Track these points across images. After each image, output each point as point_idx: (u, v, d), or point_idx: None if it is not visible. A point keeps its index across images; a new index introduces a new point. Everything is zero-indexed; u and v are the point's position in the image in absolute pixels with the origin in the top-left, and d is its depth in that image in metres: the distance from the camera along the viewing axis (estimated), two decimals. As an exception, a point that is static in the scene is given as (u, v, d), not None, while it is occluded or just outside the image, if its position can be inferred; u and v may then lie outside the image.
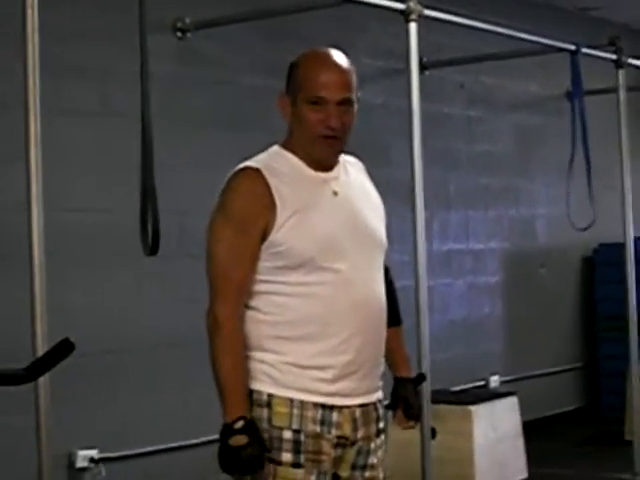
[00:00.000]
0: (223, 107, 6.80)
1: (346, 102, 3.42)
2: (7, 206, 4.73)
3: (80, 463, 6.18)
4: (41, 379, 4.25)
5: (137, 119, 4.87)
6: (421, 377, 3.92)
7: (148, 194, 4.80)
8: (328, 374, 3.43)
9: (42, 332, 4.36)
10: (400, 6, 6.05)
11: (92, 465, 6.23)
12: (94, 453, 6.22)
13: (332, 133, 3.42)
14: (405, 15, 6.04)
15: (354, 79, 3.47)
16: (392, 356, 3.74)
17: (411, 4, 6.03)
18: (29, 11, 4.47)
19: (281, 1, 6.22)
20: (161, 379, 6.49)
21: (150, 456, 6.49)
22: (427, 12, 6.18)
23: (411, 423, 3.84)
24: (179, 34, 6.70)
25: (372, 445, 3.58)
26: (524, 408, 8.05)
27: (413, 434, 6.02)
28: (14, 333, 4.32)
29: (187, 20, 6.64)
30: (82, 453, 6.17)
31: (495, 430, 7.66)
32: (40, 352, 4.12)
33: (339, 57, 3.47)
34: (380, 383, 3.62)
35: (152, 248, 4.78)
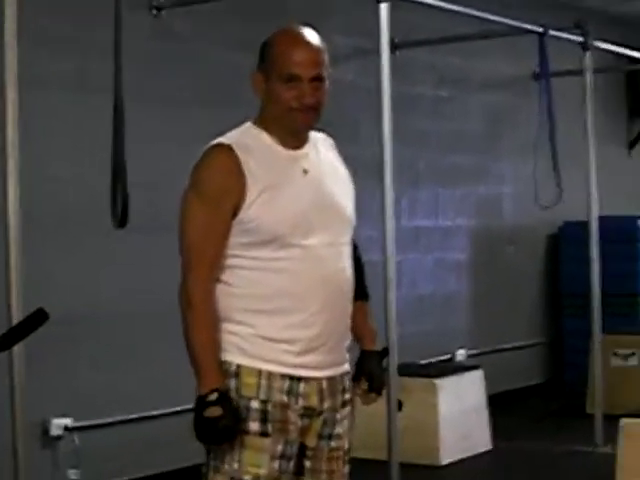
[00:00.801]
0: (197, 84, 6.82)
1: (319, 79, 3.42)
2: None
3: (54, 431, 6.18)
4: (15, 348, 4.26)
5: (108, 97, 4.90)
6: (385, 351, 3.93)
7: (118, 170, 4.83)
8: (295, 347, 3.45)
9: (17, 302, 4.38)
10: (369, -15, 6.09)
11: (66, 433, 6.23)
12: (68, 422, 6.22)
13: (306, 108, 3.42)
14: (375, -4, 6.08)
15: (326, 57, 3.46)
16: (358, 330, 3.74)
17: (382, -16, 6.08)
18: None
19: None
20: (135, 348, 6.51)
21: (124, 424, 6.50)
22: (396, -6, 6.22)
23: (372, 396, 3.84)
24: (154, 12, 6.68)
25: (338, 416, 3.60)
26: (489, 382, 8.10)
27: (380, 406, 6.09)
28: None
29: (162, -1, 6.66)
30: (56, 421, 6.17)
31: (460, 403, 7.70)
32: (14, 321, 4.14)
33: (311, 35, 3.46)
34: (346, 356, 3.63)
35: (121, 221, 4.80)
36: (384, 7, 6.06)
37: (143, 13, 6.55)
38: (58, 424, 6.18)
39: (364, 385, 3.78)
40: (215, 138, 3.46)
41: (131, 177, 4.89)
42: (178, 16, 6.71)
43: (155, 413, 6.51)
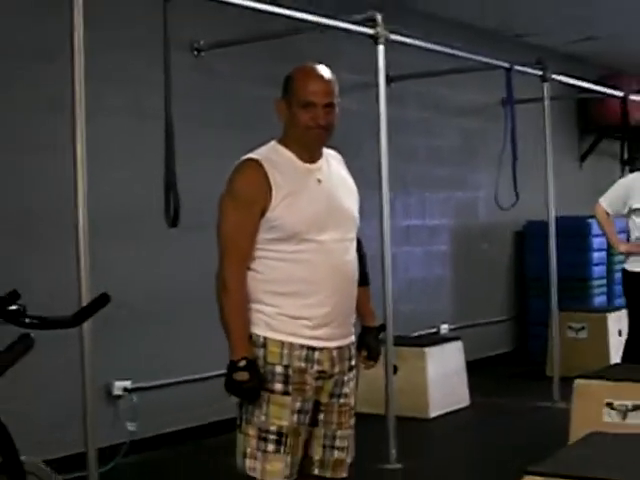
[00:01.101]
0: (230, 112, 6.80)
1: (330, 105, 3.48)
2: (60, 188, 4.73)
3: (116, 392, 6.20)
4: (85, 324, 4.27)
5: (160, 122, 4.91)
6: (382, 327, 3.97)
7: (170, 180, 4.85)
8: (311, 322, 3.50)
9: (86, 288, 4.39)
10: (371, 32, 6.07)
11: (126, 393, 6.25)
12: (128, 384, 6.24)
13: (320, 128, 3.48)
14: (374, 39, 6.06)
15: (336, 88, 3.53)
16: (361, 309, 3.78)
17: (379, 30, 6.05)
18: (75, 33, 4.47)
19: (278, 26, 6.19)
20: (180, 324, 6.51)
21: (172, 386, 6.51)
22: (392, 37, 6.20)
23: (371, 363, 3.87)
24: (195, 53, 6.69)
25: (345, 378, 3.64)
26: (467, 350, 8.11)
27: (379, 370, 6.07)
28: (64, 289, 4.33)
29: (202, 42, 6.63)
30: (118, 384, 6.19)
31: (444, 367, 7.71)
32: (84, 303, 4.14)
33: (324, 70, 3.53)
34: (352, 330, 3.68)
35: (173, 222, 4.81)
36: (381, 49, 6.09)
37: (187, 54, 6.56)
38: (119, 386, 6.20)
39: (364, 354, 3.82)
40: (244, 154, 3.52)
41: (179, 185, 4.92)
42: (215, 56, 6.71)
43: (197, 377, 6.51)
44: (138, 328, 6.22)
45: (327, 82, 3.51)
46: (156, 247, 6.24)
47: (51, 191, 5.61)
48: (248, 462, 3.52)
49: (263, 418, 3.47)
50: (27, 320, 3.21)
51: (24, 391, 4.74)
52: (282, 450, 3.49)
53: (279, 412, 3.47)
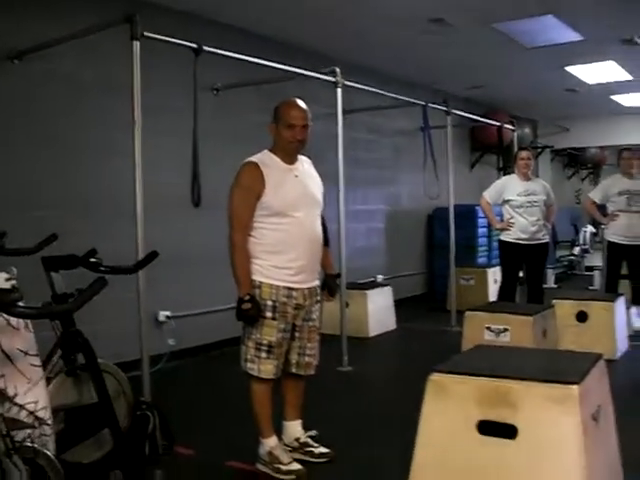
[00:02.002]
0: (237, 131, 6.77)
1: (305, 126, 3.58)
2: (123, 180, 4.70)
3: (161, 318, 6.19)
4: (140, 272, 4.27)
5: (190, 137, 4.90)
6: (338, 275, 4.03)
7: (195, 175, 4.84)
8: (291, 271, 3.56)
9: (141, 248, 4.37)
10: (333, 79, 6.06)
11: (167, 320, 6.24)
12: (169, 313, 6.23)
13: (297, 142, 3.56)
14: (335, 84, 6.05)
15: (309, 115, 3.62)
16: (323, 262, 3.82)
17: (338, 79, 6.06)
18: (135, 74, 4.45)
19: (271, 75, 6.16)
20: (203, 272, 6.48)
21: (200, 315, 6.52)
22: (347, 83, 6.19)
23: (331, 298, 3.94)
24: (215, 92, 6.64)
25: (313, 308, 3.70)
26: (395, 292, 8.14)
27: (336, 305, 6.09)
28: (127, 247, 4.31)
29: (219, 84, 6.59)
30: (162, 312, 6.18)
31: (379, 304, 7.71)
32: (140, 257, 4.14)
33: (301, 103, 3.61)
34: (317, 276, 3.75)
35: (197, 203, 4.83)
36: (339, 91, 6.09)
37: (208, 93, 6.51)
38: (163, 314, 6.20)
39: (326, 292, 3.86)
40: (246, 159, 3.55)
41: (201, 180, 4.92)
42: (228, 94, 6.66)
43: (215, 308, 6.46)
44: (175, 275, 6.18)
45: (303, 111, 3.60)
46: (185, 220, 6.20)
47: (113, 185, 5.61)
48: (249, 365, 3.58)
49: (258, 335, 3.53)
50: (102, 268, 3.21)
51: (100, 317, 4.72)
52: (271, 357, 3.54)
53: (269, 331, 3.52)
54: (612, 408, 3.23)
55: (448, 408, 2.88)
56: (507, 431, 2.76)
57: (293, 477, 3.56)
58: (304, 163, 3.72)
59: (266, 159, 3.57)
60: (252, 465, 3.70)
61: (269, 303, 3.51)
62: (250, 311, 3.45)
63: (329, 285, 3.89)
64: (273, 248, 3.51)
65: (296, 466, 3.61)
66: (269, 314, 3.51)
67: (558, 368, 2.98)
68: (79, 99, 5.61)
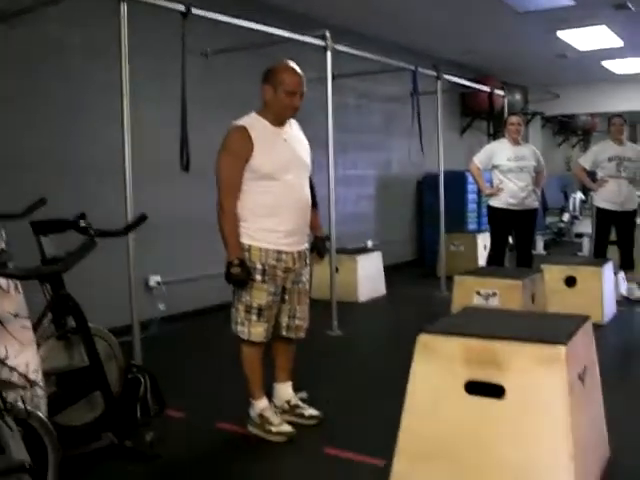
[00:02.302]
0: (227, 96, 6.73)
1: (303, 94, 3.57)
2: (112, 145, 4.68)
3: (151, 283, 6.22)
4: (130, 235, 4.27)
5: (178, 102, 4.87)
6: (327, 237, 4.03)
7: (184, 140, 4.83)
8: (280, 234, 3.56)
9: (130, 211, 4.37)
10: (322, 43, 6.01)
11: (158, 285, 6.25)
12: (159, 278, 6.25)
13: (295, 109, 3.58)
14: (325, 48, 6.01)
15: (305, 81, 3.59)
16: (312, 225, 3.82)
17: (328, 43, 6.01)
18: (122, 39, 4.41)
19: (260, 39, 6.10)
20: (193, 237, 6.48)
21: (189, 281, 6.53)
22: (337, 47, 6.14)
23: (320, 261, 4.02)
24: (204, 56, 6.57)
25: (302, 271, 3.72)
26: (385, 258, 8.15)
27: (326, 269, 6.12)
28: (116, 212, 4.30)
29: (208, 48, 6.52)
30: (152, 277, 6.21)
31: (369, 269, 7.74)
32: (129, 220, 4.13)
33: (299, 68, 3.59)
34: (306, 239, 3.75)
35: (186, 167, 4.82)
36: (329, 55, 6.03)
37: (197, 57, 6.45)
38: (153, 279, 6.22)
39: (315, 254, 3.88)
40: (232, 124, 3.56)
41: (190, 144, 4.90)
42: (218, 58, 6.60)
43: (204, 273, 6.48)
44: (165, 240, 6.21)
45: (302, 77, 3.58)
46: (174, 186, 6.18)
47: (102, 150, 5.59)
48: (239, 327, 3.60)
49: (248, 298, 3.54)
50: (92, 231, 3.21)
51: (90, 283, 4.73)
52: (261, 320, 3.56)
53: (259, 294, 3.54)
54: (598, 369, 3.28)
55: (436, 368, 2.91)
56: (494, 391, 2.79)
57: (283, 438, 3.60)
58: (292, 126, 3.70)
59: (254, 122, 3.53)
60: (243, 427, 3.74)
61: (258, 266, 3.51)
62: (239, 275, 3.45)
63: (318, 247, 3.92)
64: (261, 211, 3.50)
65: (286, 427, 3.65)
66: (259, 277, 3.52)
67: (545, 329, 3.01)
68: (66, 63, 5.57)
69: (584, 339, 3.08)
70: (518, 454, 2.75)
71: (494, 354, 2.81)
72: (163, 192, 6.13)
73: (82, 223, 3.25)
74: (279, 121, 3.58)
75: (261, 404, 3.69)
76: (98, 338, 3.53)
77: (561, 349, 2.71)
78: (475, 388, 2.83)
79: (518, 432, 2.76)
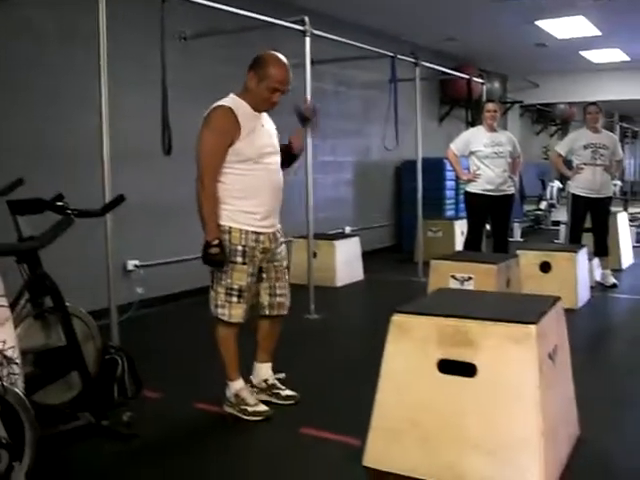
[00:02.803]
0: (206, 80, 6.72)
1: (285, 92, 3.59)
2: (91, 131, 4.68)
3: (129, 267, 6.21)
4: (107, 218, 4.28)
5: (157, 86, 4.87)
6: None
7: (165, 123, 4.83)
8: (258, 216, 3.60)
9: (108, 194, 4.37)
10: (301, 28, 6.02)
11: (136, 269, 6.26)
12: (137, 262, 6.25)
13: (273, 104, 3.62)
14: (303, 33, 6.02)
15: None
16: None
17: (307, 27, 6.01)
18: (100, 23, 4.40)
19: (239, 23, 6.10)
20: (172, 221, 6.51)
21: (167, 264, 6.55)
22: (316, 32, 6.14)
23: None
24: (182, 40, 6.56)
25: (278, 250, 3.78)
26: (363, 244, 8.19)
27: (304, 255, 6.15)
28: (95, 196, 4.29)
29: (187, 32, 6.50)
30: (130, 262, 6.20)
31: (347, 254, 7.78)
32: (107, 200, 4.14)
33: (288, 65, 3.58)
34: (278, 221, 3.78)
35: (167, 151, 4.82)
36: (307, 40, 6.04)
37: (176, 41, 6.43)
38: (131, 263, 6.22)
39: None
40: (215, 104, 3.55)
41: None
42: (196, 43, 6.59)
43: (183, 257, 6.51)
44: (145, 224, 6.23)
45: (290, 76, 3.59)
46: (155, 169, 6.19)
47: (81, 134, 5.56)
48: (220, 310, 3.62)
49: (229, 280, 3.58)
50: (69, 211, 3.22)
51: (68, 266, 4.74)
52: (241, 301, 3.60)
53: (240, 276, 3.57)
54: (568, 349, 3.34)
55: (410, 347, 2.96)
56: (467, 369, 2.85)
57: (259, 418, 3.64)
58: (265, 115, 3.75)
59: (239, 105, 3.54)
60: (220, 407, 3.77)
61: (239, 248, 3.54)
62: (217, 256, 3.48)
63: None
64: (240, 193, 3.53)
65: (262, 407, 3.69)
66: (239, 259, 3.55)
67: (517, 309, 3.06)
68: (44, 48, 5.53)
69: (555, 319, 3.14)
70: (490, 431, 2.81)
71: (466, 333, 2.86)
72: (142, 176, 6.13)
73: (59, 203, 3.26)
74: (257, 109, 3.61)
75: (237, 385, 3.72)
76: (75, 318, 3.54)
77: (531, 328, 2.77)
78: (448, 367, 2.89)
79: (490, 409, 2.81)
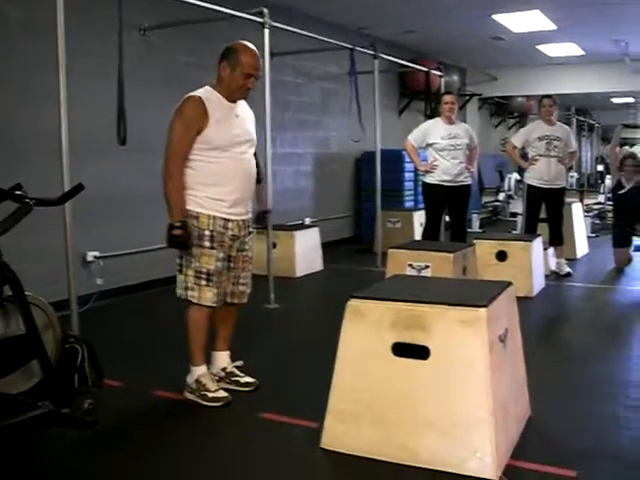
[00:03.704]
0: (167, 73, 6.74)
1: (258, 77, 3.72)
2: (49, 121, 4.67)
3: (89, 258, 6.19)
4: (66, 209, 4.29)
5: (117, 76, 4.88)
6: (268, 211, 4.12)
7: (121, 113, 4.85)
8: (226, 203, 3.71)
9: (67, 181, 4.37)
10: (260, 20, 6.06)
11: (95, 260, 6.24)
12: (97, 253, 6.23)
13: (248, 90, 3.70)
14: (262, 25, 6.06)
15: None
16: (259, 198, 4.13)
17: (266, 19, 6.06)
18: (58, 15, 4.40)
19: (199, 15, 6.12)
20: (131, 212, 6.53)
21: (128, 255, 6.55)
22: (274, 24, 6.19)
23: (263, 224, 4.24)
24: (142, 32, 6.57)
25: (246, 239, 3.88)
26: (322, 235, 8.25)
27: (263, 246, 6.20)
28: (54, 187, 4.30)
29: (146, 24, 6.51)
30: (90, 253, 6.18)
31: (306, 245, 7.84)
32: (65, 189, 4.14)
33: (257, 52, 3.72)
34: (250, 209, 3.88)
35: (123, 141, 4.85)
36: (266, 32, 6.08)
37: (136, 33, 6.46)
38: (91, 254, 6.19)
39: (259, 221, 4.17)
40: (173, 103, 3.65)
41: (128, 123, 4.92)
42: (156, 35, 6.60)
43: (143, 249, 6.54)
44: (103, 215, 6.20)
45: (259, 61, 3.73)
46: (112, 161, 6.17)
47: (39, 126, 5.53)
48: (189, 292, 3.70)
49: (198, 264, 3.64)
50: (28, 200, 3.24)
51: (28, 258, 4.73)
52: (210, 284, 3.67)
53: (208, 260, 3.65)
54: (519, 332, 3.46)
55: (364, 331, 3.05)
56: (420, 352, 2.94)
57: (219, 403, 3.70)
58: (243, 104, 3.84)
59: (210, 95, 3.64)
60: (180, 394, 3.82)
61: (207, 233, 3.62)
62: (181, 236, 3.54)
63: (260, 219, 4.09)
64: (209, 180, 3.61)
65: (222, 393, 3.74)
66: (207, 243, 3.63)
67: (468, 294, 3.17)
68: (5, 40, 5.49)
69: (506, 303, 3.25)
70: (442, 412, 2.91)
71: (419, 317, 2.95)
72: (101, 168, 6.11)
73: (18, 192, 3.28)
74: (231, 99, 3.69)
75: (199, 370, 3.78)
76: (35, 307, 3.56)
77: (482, 312, 2.87)
78: (402, 350, 2.98)
79: (442, 391, 2.91)
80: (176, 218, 3.54)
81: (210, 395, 3.71)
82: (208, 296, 3.67)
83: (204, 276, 3.64)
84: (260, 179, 4.03)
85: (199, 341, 3.76)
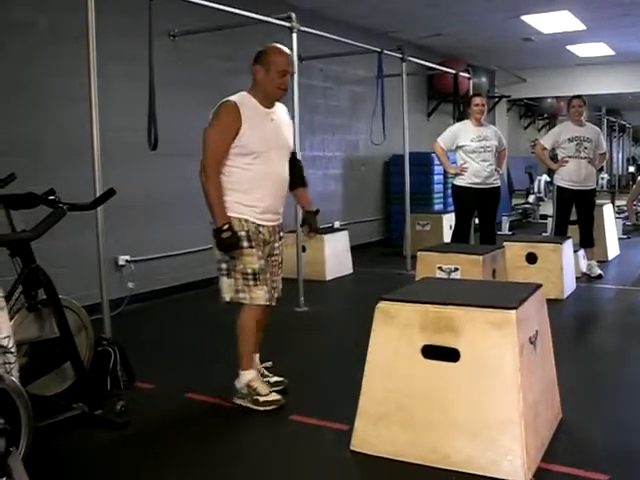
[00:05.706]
0: (194, 78, 6.76)
1: (292, 73, 3.81)
2: (81, 126, 4.72)
3: (121, 262, 6.26)
4: (98, 214, 4.32)
5: (148, 82, 4.93)
6: (317, 211, 4.03)
7: (152, 118, 4.90)
8: (257, 209, 3.69)
9: (99, 188, 4.40)
10: (288, 25, 6.08)
11: (127, 264, 6.31)
12: (128, 257, 6.30)
13: (285, 89, 3.72)
14: (290, 29, 6.08)
15: None
16: (302, 200, 4.07)
17: (294, 24, 6.08)
18: (89, 23, 4.45)
19: (229, 20, 6.16)
20: (163, 217, 6.54)
21: (158, 259, 6.58)
22: (302, 28, 6.21)
23: (312, 234, 4.06)
24: (172, 38, 6.64)
25: (276, 244, 3.86)
26: (352, 238, 8.27)
27: (293, 250, 6.21)
28: (86, 193, 4.34)
29: (176, 30, 6.57)
30: (122, 257, 6.25)
31: (336, 248, 7.84)
32: (97, 194, 4.18)
33: (288, 50, 3.75)
34: (281, 215, 3.86)
35: (153, 147, 4.89)
36: (294, 36, 6.10)
37: (166, 38, 6.52)
38: (123, 258, 6.26)
39: (306, 228, 4.02)
40: (202, 107, 3.78)
41: (158, 127, 4.96)
42: (185, 40, 6.65)
43: (174, 252, 6.57)
44: (134, 219, 6.27)
45: (291, 58, 3.78)
46: (143, 165, 6.23)
47: (71, 131, 5.59)
48: (240, 295, 3.68)
49: (242, 266, 3.64)
50: (61, 205, 3.29)
51: (61, 262, 4.79)
52: (259, 283, 3.66)
53: (250, 260, 3.65)
54: (550, 334, 3.43)
55: (394, 334, 3.05)
56: (450, 354, 2.93)
57: (272, 407, 3.68)
58: (280, 108, 3.84)
59: (245, 100, 3.64)
60: (212, 397, 3.85)
61: (242, 233, 3.61)
62: (231, 238, 3.55)
63: (309, 221, 4.01)
64: (241, 186, 3.61)
65: (275, 396, 3.73)
66: (245, 244, 3.62)
67: (498, 296, 3.15)
68: (34, 46, 5.58)
69: (536, 305, 3.23)
70: (472, 414, 2.90)
71: (449, 320, 2.94)
72: (132, 173, 6.17)
73: (51, 197, 3.33)
74: (269, 101, 3.71)
75: (249, 375, 3.75)
76: (68, 310, 3.62)
77: (512, 314, 2.85)
78: (431, 352, 2.97)
79: (472, 393, 2.90)
80: (222, 221, 3.53)
81: (262, 399, 3.68)
82: (260, 294, 3.66)
83: (250, 276, 3.63)
84: (305, 183, 4.03)
85: (250, 344, 3.75)
